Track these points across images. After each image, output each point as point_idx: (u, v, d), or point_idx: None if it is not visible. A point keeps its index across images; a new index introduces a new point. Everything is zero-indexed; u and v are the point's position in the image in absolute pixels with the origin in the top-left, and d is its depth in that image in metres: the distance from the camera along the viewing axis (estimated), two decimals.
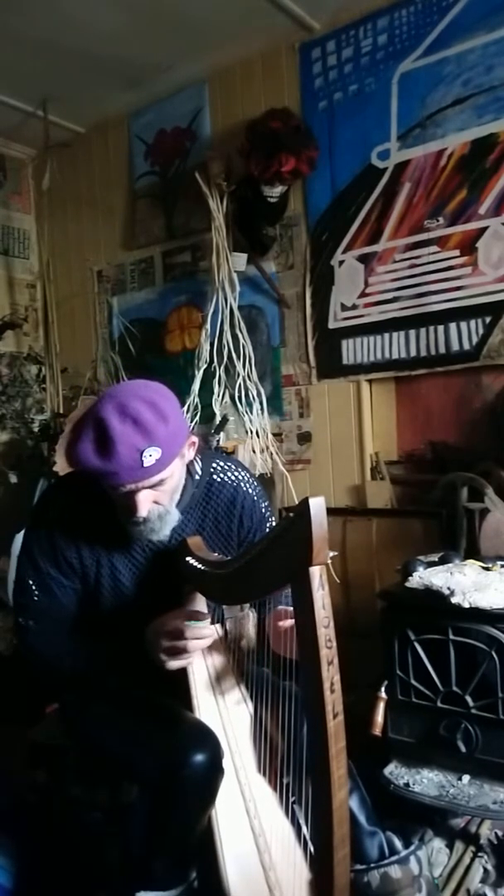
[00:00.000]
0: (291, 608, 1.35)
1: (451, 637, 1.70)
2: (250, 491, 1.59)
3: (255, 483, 1.63)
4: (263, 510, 1.62)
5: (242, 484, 1.58)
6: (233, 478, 1.57)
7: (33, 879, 1.70)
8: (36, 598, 1.46)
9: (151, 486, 1.31)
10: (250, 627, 1.53)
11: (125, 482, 1.27)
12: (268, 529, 1.61)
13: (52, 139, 3.24)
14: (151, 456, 1.25)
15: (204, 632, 1.31)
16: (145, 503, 1.32)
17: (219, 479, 1.56)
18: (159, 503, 1.36)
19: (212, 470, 1.55)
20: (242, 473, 1.60)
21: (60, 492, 1.52)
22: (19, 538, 2.91)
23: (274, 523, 1.65)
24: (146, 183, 3.25)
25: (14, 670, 2.77)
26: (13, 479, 3.38)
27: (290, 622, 1.32)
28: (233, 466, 1.60)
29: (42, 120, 3.22)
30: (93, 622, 1.51)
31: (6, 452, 3.49)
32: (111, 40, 2.70)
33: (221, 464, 1.59)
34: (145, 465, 1.25)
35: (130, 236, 3.33)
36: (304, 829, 1.26)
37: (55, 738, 1.64)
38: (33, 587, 1.46)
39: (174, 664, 1.33)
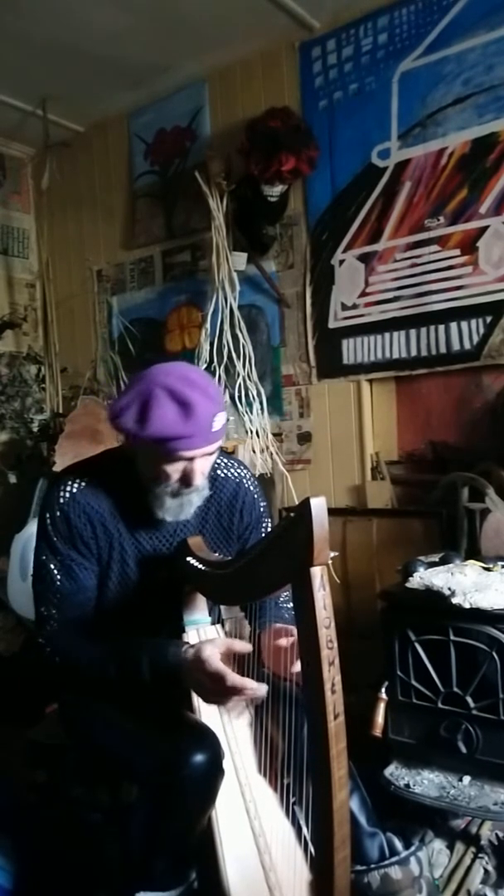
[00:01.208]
0: (291, 627, 1.35)
1: (452, 638, 1.70)
2: (251, 488, 1.63)
3: (256, 482, 1.66)
4: (262, 509, 1.65)
5: (244, 480, 1.63)
6: (236, 474, 1.62)
7: (33, 879, 1.70)
8: (58, 583, 1.45)
9: (209, 454, 1.39)
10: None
11: (199, 446, 1.34)
12: (264, 530, 1.64)
13: (51, 138, 3.24)
14: (219, 420, 1.35)
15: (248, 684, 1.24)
16: (202, 471, 1.40)
17: (222, 475, 1.59)
18: (204, 474, 1.42)
19: (216, 465, 1.58)
20: (244, 471, 1.65)
21: (72, 477, 1.50)
22: (19, 538, 2.93)
23: (271, 525, 1.68)
24: (146, 182, 3.24)
25: (14, 670, 2.77)
26: (13, 479, 3.37)
27: (288, 641, 1.33)
28: (235, 464, 1.65)
29: (42, 119, 3.21)
30: (100, 615, 1.50)
31: (6, 452, 3.49)
32: (111, 40, 2.70)
33: (224, 460, 1.63)
34: (214, 429, 1.34)
35: (130, 236, 3.32)
36: (305, 830, 1.26)
37: (55, 738, 1.64)
38: (55, 571, 1.45)
39: (221, 703, 1.29)
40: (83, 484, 1.47)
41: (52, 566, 1.46)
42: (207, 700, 1.30)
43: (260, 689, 1.21)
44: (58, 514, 1.45)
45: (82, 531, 1.45)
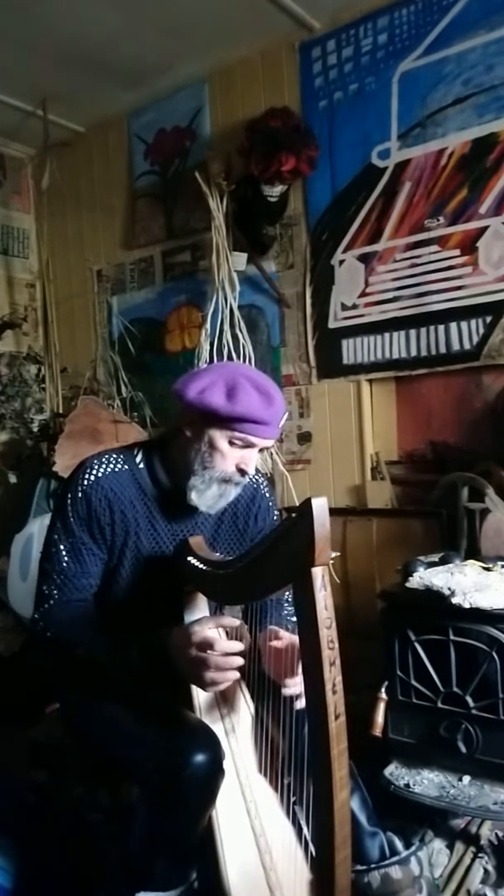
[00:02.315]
0: (282, 629, 1.38)
1: (452, 637, 1.70)
2: (267, 495, 1.68)
3: (270, 489, 1.71)
4: (275, 517, 1.69)
5: (261, 487, 1.67)
6: (254, 479, 1.64)
7: (33, 879, 1.70)
8: (65, 564, 1.46)
9: (263, 449, 1.48)
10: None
11: (271, 435, 1.43)
12: None
13: (51, 139, 3.24)
14: (282, 418, 1.44)
15: (234, 648, 1.25)
16: (255, 462, 1.47)
17: None
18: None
19: None
20: (261, 479, 1.69)
21: (99, 460, 1.51)
22: (19, 538, 2.93)
23: None
24: (146, 182, 3.24)
25: (14, 670, 2.77)
26: (13, 479, 3.37)
27: (279, 643, 1.36)
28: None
29: (42, 119, 3.21)
30: (105, 602, 1.51)
31: (6, 452, 3.49)
32: (111, 40, 2.70)
33: None
34: (280, 424, 1.44)
35: (130, 236, 3.32)
36: (305, 830, 1.26)
37: (55, 738, 1.63)
38: (63, 552, 1.46)
39: (208, 687, 1.26)
40: (109, 469, 1.49)
41: (61, 546, 1.47)
42: (192, 680, 1.30)
43: (237, 660, 1.24)
44: (80, 495, 1.46)
45: (101, 516, 1.46)
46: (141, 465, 1.52)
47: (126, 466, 1.51)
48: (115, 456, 1.52)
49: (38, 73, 2.92)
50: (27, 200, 3.71)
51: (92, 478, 1.47)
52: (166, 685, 1.35)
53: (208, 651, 1.23)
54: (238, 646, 1.26)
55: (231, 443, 1.42)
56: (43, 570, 1.49)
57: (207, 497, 1.46)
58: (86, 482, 1.47)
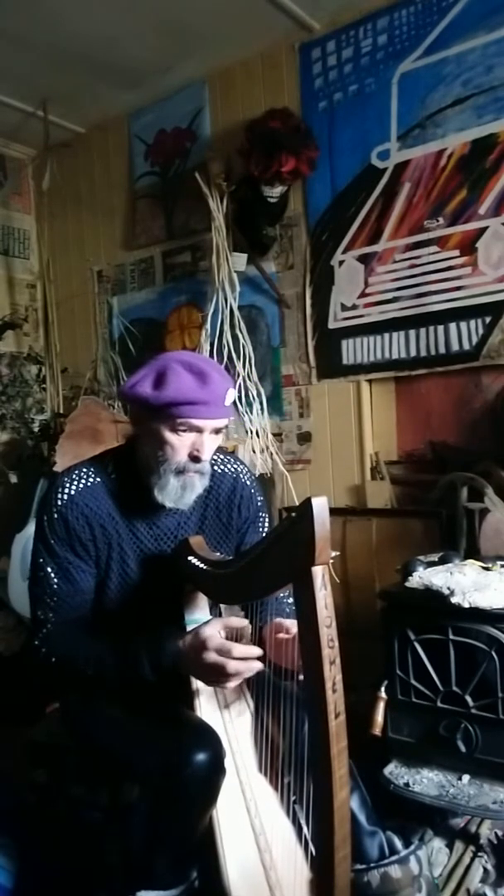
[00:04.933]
0: (291, 621, 1.36)
1: (451, 637, 1.70)
2: (248, 483, 1.65)
3: (252, 476, 1.68)
4: (259, 503, 1.66)
5: (241, 475, 1.64)
6: (232, 469, 1.63)
7: (33, 879, 1.70)
8: (55, 586, 1.45)
9: (218, 431, 1.43)
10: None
11: (213, 415, 1.38)
12: (261, 524, 1.66)
13: (52, 139, 3.25)
14: (230, 396, 1.40)
15: (251, 659, 1.26)
16: (210, 447, 1.43)
17: (219, 470, 1.60)
18: (210, 452, 1.45)
19: (213, 461, 1.57)
20: (241, 466, 1.66)
21: (69, 478, 1.50)
22: (19, 538, 2.93)
23: (268, 520, 1.69)
24: (146, 183, 3.25)
25: (14, 670, 2.77)
26: (13, 479, 3.37)
27: (288, 636, 1.35)
28: (231, 459, 1.66)
29: (42, 120, 3.22)
30: (99, 616, 1.51)
31: (6, 452, 3.49)
32: (111, 41, 2.70)
33: (221, 456, 1.63)
34: (226, 403, 1.40)
35: (130, 236, 3.33)
36: (305, 829, 1.26)
37: (55, 737, 1.64)
38: (51, 574, 1.45)
39: (222, 684, 1.28)
40: (81, 485, 1.47)
41: (48, 569, 1.45)
42: (209, 683, 1.30)
43: (256, 663, 1.24)
44: (55, 516, 1.45)
45: (80, 533, 1.45)
46: (113, 475, 1.50)
47: (98, 479, 1.49)
48: (85, 470, 1.50)
49: (38, 73, 2.92)
50: (28, 201, 3.71)
51: (65, 497, 1.45)
52: (167, 685, 1.35)
53: (225, 657, 1.23)
54: (256, 650, 1.25)
55: (175, 431, 1.39)
56: (34, 594, 1.47)
57: (169, 492, 1.43)
58: (59, 502, 1.45)
